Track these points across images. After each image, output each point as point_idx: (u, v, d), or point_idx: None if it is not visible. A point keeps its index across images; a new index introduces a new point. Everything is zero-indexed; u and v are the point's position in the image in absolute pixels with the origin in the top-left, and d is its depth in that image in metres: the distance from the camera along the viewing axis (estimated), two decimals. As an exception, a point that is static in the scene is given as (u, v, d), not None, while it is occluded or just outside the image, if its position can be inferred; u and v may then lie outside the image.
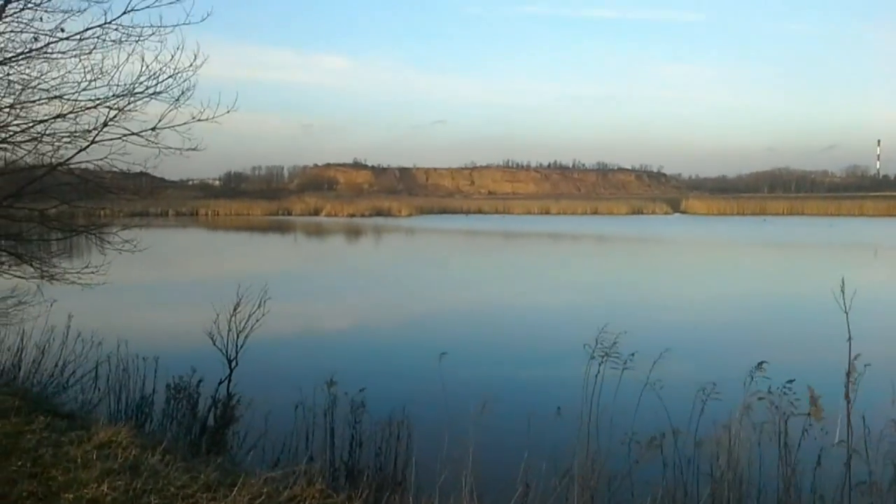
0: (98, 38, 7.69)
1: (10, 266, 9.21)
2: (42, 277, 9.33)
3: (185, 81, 8.06)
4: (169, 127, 8.25)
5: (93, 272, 9.24)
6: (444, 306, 21.10)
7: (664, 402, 5.57)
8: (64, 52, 7.80)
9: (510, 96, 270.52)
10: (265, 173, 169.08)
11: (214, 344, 7.93)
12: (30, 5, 7.56)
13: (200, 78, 8.22)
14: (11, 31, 7.75)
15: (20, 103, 7.98)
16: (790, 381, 5.20)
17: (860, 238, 52.18)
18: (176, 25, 7.79)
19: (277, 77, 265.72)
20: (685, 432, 5.48)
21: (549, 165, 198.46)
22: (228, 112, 8.37)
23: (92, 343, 9.47)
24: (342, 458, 6.86)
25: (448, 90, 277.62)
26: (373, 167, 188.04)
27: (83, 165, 8.79)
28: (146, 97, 8.15)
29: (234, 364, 8.03)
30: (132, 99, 8.11)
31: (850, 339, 4.87)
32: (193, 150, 8.68)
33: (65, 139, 8.22)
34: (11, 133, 8.09)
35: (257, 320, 8.05)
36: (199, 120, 8.30)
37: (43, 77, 8.05)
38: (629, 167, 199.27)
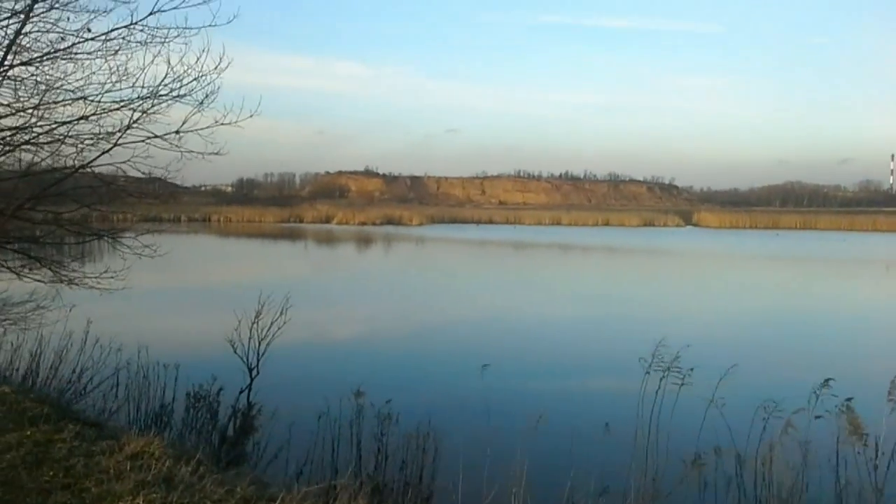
0: (124, 38, 7.61)
1: (29, 269, 9.08)
2: (60, 281, 9.20)
3: (209, 84, 7.95)
4: (193, 130, 8.15)
5: (112, 277, 9.10)
6: (471, 317, 20.87)
7: (725, 419, 5.35)
8: (89, 53, 7.72)
9: (523, 106, 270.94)
10: (277, 180, 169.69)
11: (235, 352, 7.81)
12: (56, 5, 7.48)
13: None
14: (38, 31, 7.68)
15: (44, 104, 7.87)
16: (849, 399, 4.98)
17: (875, 254, 51.53)
18: (202, 27, 7.71)
19: (292, 83, 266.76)
20: (743, 452, 5.25)
21: (560, 176, 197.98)
22: (251, 116, 8.26)
23: (111, 349, 9.37)
24: (367, 471, 6.68)
25: (461, 99, 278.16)
26: (384, 175, 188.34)
27: (105, 169, 8.67)
28: (170, 100, 8.05)
29: (255, 373, 7.89)
30: (156, 101, 8.00)
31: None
32: (216, 154, 8.57)
33: (88, 141, 8.11)
34: (35, 135, 7.99)
35: (279, 328, 7.92)
36: (222, 124, 8.16)
37: (67, 78, 7.98)
38: (641, 179, 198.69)
